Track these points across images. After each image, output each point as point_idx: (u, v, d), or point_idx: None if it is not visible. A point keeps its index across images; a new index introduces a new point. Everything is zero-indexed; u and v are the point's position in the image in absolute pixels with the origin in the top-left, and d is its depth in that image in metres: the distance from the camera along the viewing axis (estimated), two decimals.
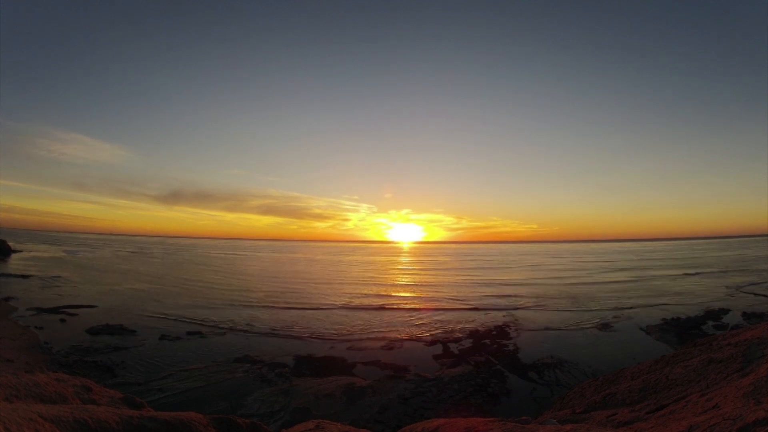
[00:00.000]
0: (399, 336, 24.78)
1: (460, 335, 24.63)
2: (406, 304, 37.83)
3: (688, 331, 24.24)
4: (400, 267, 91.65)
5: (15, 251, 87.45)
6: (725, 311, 30.07)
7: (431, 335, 24.82)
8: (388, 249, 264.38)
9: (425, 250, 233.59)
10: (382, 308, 35.00)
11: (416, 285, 54.27)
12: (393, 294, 44.51)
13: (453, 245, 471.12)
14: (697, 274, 59.09)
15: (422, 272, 76.73)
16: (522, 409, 14.00)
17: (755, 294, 38.19)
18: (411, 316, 31.32)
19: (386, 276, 67.75)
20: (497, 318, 29.97)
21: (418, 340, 23.98)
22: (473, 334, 24.92)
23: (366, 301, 38.50)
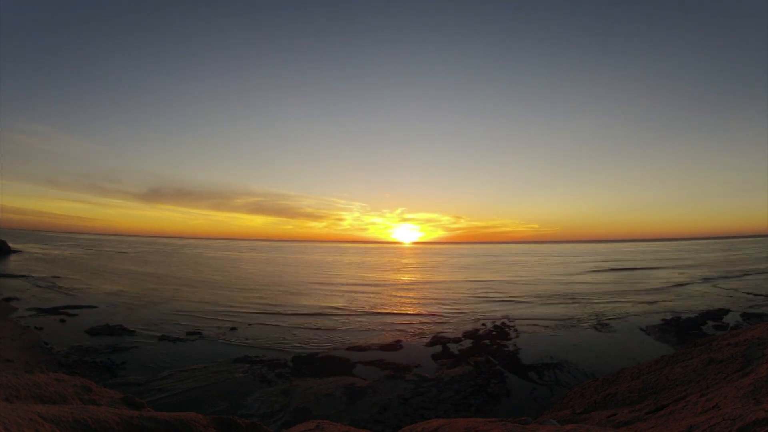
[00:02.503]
0: (399, 336, 24.78)
1: (460, 335, 24.62)
2: (406, 304, 37.82)
3: (688, 331, 24.23)
4: (397, 268, 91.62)
5: (14, 251, 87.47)
6: (725, 311, 30.04)
7: (431, 335, 24.80)
8: (385, 250, 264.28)
9: (423, 251, 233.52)
10: (381, 310, 34.99)
11: (414, 285, 54.25)
12: (392, 294, 44.49)
13: (451, 246, 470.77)
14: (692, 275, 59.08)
15: (419, 272, 76.73)
16: (522, 409, 13.99)
17: (755, 294, 38.19)
18: (410, 316, 31.31)
19: (385, 277, 67.74)
20: (497, 318, 29.95)
21: (418, 340, 23.97)
22: (473, 334, 24.91)
23: (367, 301, 38.50)
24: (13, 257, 77.10)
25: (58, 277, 49.04)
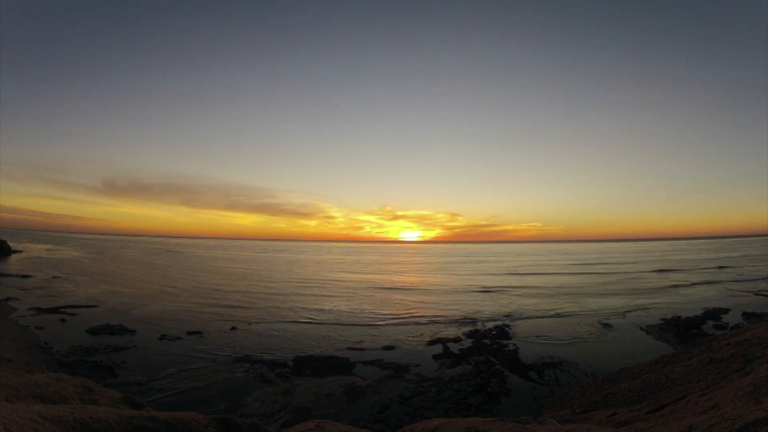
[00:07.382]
0: (399, 336, 24.78)
1: (460, 335, 24.63)
2: (405, 303, 37.82)
3: (688, 331, 24.23)
4: (395, 269, 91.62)
5: (15, 251, 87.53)
6: (725, 311, 30.06)
7: (431, 335, 24.81)
8: (387, 250, 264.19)
9: (421, 251, 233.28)
10: (382, 310, 34.99)
11: (412, 285, 54.27)
12: (391, 293, 44.50)
13: (452, 245, 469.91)
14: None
15: (418, 272, 76.74)
16: (522, 409, 14.00)
17: (755, 294, 38.20)
18: (409, 316, 31.31)
19: (385, 276, 67.79)
20: (497, 318, 29.96)
21: (418, 339, 23.97)
22: (473, 334, 24.91)
23: (367, 301, 38.52)
24: (13, 257, 77.14)
25: (59, 277, 49.07)
